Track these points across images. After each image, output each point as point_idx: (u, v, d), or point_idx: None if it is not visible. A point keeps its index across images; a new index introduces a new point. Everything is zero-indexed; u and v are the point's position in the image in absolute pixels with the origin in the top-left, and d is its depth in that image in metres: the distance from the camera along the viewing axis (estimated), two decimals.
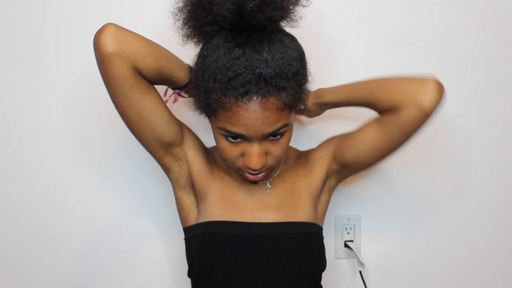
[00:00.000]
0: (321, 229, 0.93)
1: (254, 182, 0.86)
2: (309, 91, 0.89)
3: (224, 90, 0.72)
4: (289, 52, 0.74)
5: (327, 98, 0.90)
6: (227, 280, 0.83)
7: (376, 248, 1.18)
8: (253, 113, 0.72)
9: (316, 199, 0.93)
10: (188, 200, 0.90)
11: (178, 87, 0.85)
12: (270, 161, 0.80)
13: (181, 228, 0.93)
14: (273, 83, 0.72)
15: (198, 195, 0.89)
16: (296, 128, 1.11)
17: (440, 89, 0.77)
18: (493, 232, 1.23)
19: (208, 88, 0.74)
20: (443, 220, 1.21)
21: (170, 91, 0.89)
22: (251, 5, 0.71)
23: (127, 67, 0.73)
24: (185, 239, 0.91)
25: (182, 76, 0.82)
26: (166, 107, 0.83)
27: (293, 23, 0.78)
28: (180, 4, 0.77)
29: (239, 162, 0.80)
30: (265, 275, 0.83)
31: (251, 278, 0.83)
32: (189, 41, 0.79)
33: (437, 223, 1.20)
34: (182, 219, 0.92)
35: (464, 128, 1.18)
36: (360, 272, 1.15)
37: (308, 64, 0.80)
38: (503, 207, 1.23)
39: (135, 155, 1.08)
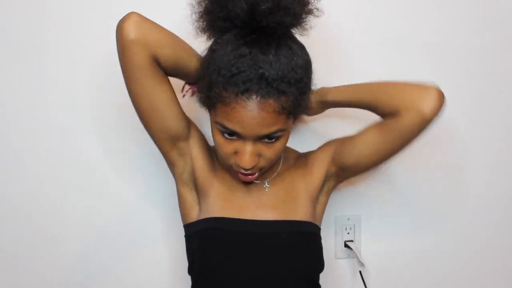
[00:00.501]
0: (319, 229, 0.94)
1: (247, 183, 0.88)
2: (312, 90, 0.90)
3: (225, 84, 0.73)
4: (295, 58, 0.75)
5: (330, 97, 0.91)
6: (226, 276, 0.84)
7: (376, 248, 1.19)
8: (250, 111, 0.73)
9: (315, 199, 0.94)
10: (190, 196, 0.91)
11: (193, 81, 0.86)
12: (262, 163, 0.81)
13: (181, 228, 0.93)
14: (274, 86, 0.73)
15: (200, 192, 0.90)
16: (299, 127, 1.11)
17: (441, 98, 0.80)
18: (493, 232, 1.23)
19: (211, 81, 0.75)
20: (443, 220, 1.21)
21: (187, 86, 0.90)
22: (263, 7, 0.72)
23: (146, 54, 0.75)
24: (185, 236, 0.92)
25: (198, 69, 0.83)
26: (177, 101, 0.85)
27: (303, 32, 0.79)
28: None
29: (232, 159, 0.81)
30: (263, 271, 0.84)
31: (249, 274, 0.84)
32: (202, 35, 0.81)
33: (437, 223, 1.20)
34: (184, 216, 0.93)
35: (463, 128, 1.18)
36: (360, 272, 1.15)
37: (313, 74, 0.81)
38: (503, 207, 1.23)
39: (135, 155, 1.08)
